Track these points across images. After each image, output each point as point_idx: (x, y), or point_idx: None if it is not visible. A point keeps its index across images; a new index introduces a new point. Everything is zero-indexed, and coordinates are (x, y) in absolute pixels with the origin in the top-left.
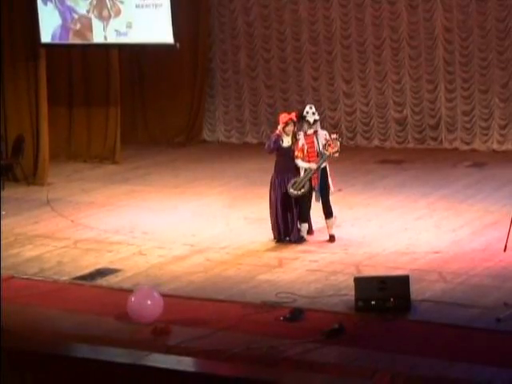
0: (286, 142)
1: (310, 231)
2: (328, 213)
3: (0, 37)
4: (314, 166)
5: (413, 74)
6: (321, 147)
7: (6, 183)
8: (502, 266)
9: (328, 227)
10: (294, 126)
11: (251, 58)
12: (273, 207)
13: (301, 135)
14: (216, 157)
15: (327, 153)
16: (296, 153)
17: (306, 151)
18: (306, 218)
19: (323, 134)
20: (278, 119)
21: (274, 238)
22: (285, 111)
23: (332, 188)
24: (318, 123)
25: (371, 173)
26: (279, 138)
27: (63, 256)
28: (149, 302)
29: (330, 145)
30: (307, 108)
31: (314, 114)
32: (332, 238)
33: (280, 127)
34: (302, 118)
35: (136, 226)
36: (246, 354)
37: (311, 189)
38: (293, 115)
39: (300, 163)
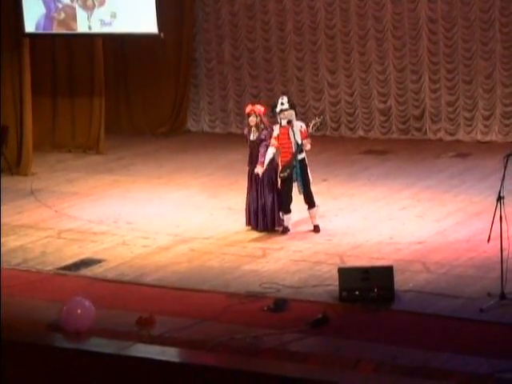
0: (252, 134)
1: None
2: (310, 203)
3: None
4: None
5: (397, 65)
6: (298, 139)
7: None
8: (485, 256)
9: (311, 217)
10: (256, 117)
11: (236, 48)
12: (247, 196)
13: (276, 127)
14: (200, 147)
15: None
16: (272, 140)
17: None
18: (287, 208)
19: (299, 126)
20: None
21: (246, 224)
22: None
23: (311, 178)
24: (293, 114)
25: (355, 163)
26: (249, 134)
27: (47, 246)
28: (79, 312)
29: (303, 136)
30: (279, 99)
31: (282, 104)
32: (316, 228)
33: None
34: (275, 111)
35: (120, 217)
36: (230, 344)
37: (291, 181)
38: (255, 107)
39: (270, 151)
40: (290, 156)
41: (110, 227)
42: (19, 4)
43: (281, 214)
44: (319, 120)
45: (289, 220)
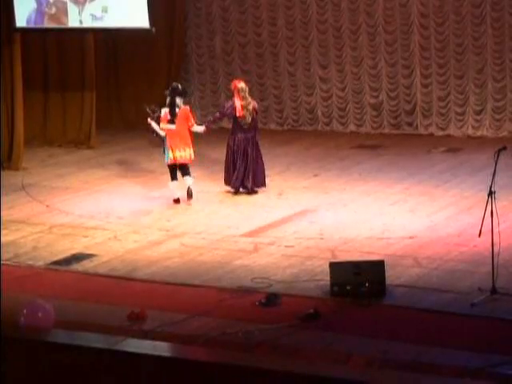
0: None
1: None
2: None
3: None
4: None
5: (389, 60)
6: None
7: None
8: (476, 251)
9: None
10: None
11: (227, 42)
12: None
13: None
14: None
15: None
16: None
17: None
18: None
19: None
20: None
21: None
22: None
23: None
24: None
25: (347, 158)
26: None
27: (38, 241)
28: (40, 315)
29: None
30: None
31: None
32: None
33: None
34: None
35: (111, 211)
36: (222, 338)
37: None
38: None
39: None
40: None
41: (102, 222)
42: None
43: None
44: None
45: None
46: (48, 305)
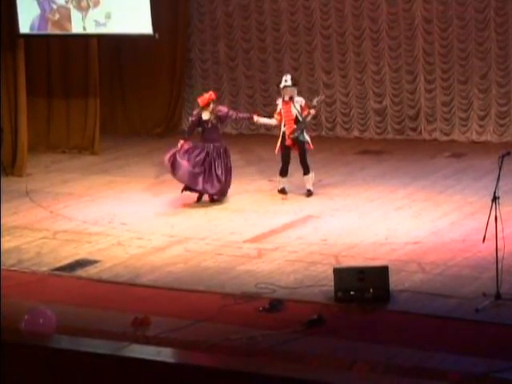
0: (205, 115)
1: None
2: (305, 169)
3: None
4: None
5: (392, 65)
6: (298, 112)
7: None
8: (480, 256)
9: (305, 182)
10: (215, 104)
11: (231, 48)
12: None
13: (279, 101)
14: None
15: (303, 116)
16: (275, 115)
17: (283, 115)
18: (281, 172)
19: (299, 101)
20: (199, 100)
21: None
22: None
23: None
24: (295, 90)
25: (351, 163)
26: (196, 121)
27: (42, 247)
28: (41, 321)
29: (303, 109)
30: (283, 77)
31: (285, 81)
32: (309, 192)
33: (199, 109)
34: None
35: (115, 217)
36: (226, 344)
37: (289, 148)
38: (212, 95)
39: (266, 121)
40: (292, 126)
41: (105, 228)
42: (14, 5)
43: (277, 177)
44: (321, 97)
45: (284, 183)
46: (49, 311)
